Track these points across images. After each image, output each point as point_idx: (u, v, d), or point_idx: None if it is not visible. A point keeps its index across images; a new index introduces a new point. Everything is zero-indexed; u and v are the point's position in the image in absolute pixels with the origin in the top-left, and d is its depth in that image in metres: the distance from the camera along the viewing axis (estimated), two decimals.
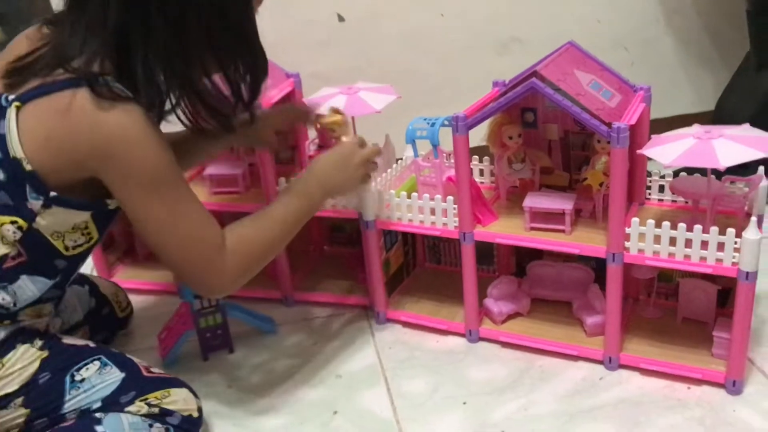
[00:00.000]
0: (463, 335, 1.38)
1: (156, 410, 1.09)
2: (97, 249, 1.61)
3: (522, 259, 1.46)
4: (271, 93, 1.45)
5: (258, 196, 1.46)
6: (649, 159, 1.15)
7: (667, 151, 1.09)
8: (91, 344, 1.16)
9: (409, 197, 1.33)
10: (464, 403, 1.22)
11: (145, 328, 1.49)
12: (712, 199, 1.18)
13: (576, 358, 1.29)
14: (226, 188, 1.51)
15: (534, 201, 1.26)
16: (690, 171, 1.26)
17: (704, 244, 1.11)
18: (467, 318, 1.37)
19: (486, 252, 1.48)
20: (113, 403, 1.08)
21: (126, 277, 1.66)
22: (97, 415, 1.06)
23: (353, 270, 1.56)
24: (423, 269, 1.60)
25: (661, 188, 1.32)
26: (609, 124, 1.09)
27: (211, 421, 1.22)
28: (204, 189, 1.52)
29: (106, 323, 1.42)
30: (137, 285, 1.63)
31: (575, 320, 1.35)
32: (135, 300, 1.57)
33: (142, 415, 1.07)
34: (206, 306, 1.37)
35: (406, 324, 1.44)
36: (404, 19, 1.82)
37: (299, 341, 1.43)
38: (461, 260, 1.32)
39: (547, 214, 1.25)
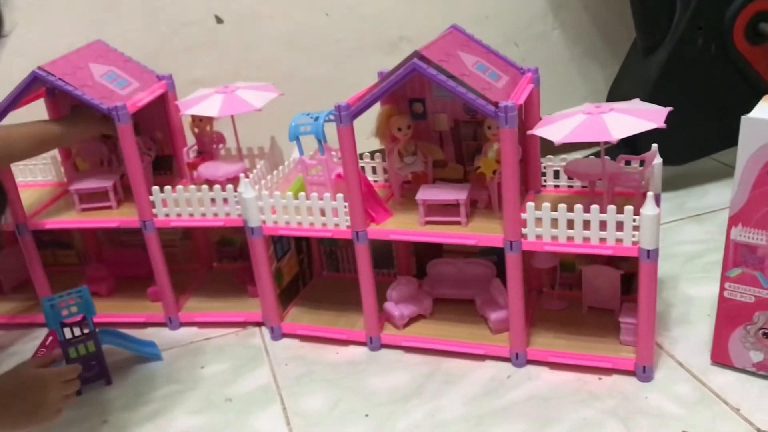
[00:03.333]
0: (364, 344, 1.29)
1: None
2: None
3: (422, 259, 1.38)
4: (141, 95, 1.33)
5: (132, 210, 1.32)
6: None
7: (557, 129, 1.03)
8: None
9: (296, 198, 1.23)
10: (366, 415, 1.12)
11: (10, 366, 1.32)
12: (608, 179, 1.14)
13: (482, 357, 1.22)
14: (96, 203, 1.37)
15: (427, 193, 1.19)
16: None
17: (603, 225, 1.06)
18: (367, 325, 1.27)
19: (385, 254, 1.40)
20: None
21: None
22: None
23: (244, 285, 1.45)
24: (321, 278, 1.50)
25: (557, 174, 1.27)
26: (496, 104, 1.03)
27: None
28: (71, 206, 1.37)
29: None
30: (1, 320, 1.46)
31: (480, 318, 1.28)
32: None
33: None
34: (77, 334, 1.22)
35: (303, 338, 1.33)
36: (287, 19, 1.73)
37: (185, 366, 1.29)
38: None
39: (441, 206, 1.19)
